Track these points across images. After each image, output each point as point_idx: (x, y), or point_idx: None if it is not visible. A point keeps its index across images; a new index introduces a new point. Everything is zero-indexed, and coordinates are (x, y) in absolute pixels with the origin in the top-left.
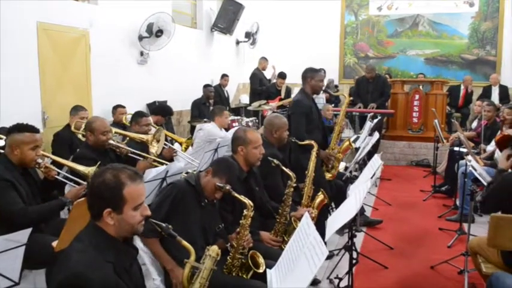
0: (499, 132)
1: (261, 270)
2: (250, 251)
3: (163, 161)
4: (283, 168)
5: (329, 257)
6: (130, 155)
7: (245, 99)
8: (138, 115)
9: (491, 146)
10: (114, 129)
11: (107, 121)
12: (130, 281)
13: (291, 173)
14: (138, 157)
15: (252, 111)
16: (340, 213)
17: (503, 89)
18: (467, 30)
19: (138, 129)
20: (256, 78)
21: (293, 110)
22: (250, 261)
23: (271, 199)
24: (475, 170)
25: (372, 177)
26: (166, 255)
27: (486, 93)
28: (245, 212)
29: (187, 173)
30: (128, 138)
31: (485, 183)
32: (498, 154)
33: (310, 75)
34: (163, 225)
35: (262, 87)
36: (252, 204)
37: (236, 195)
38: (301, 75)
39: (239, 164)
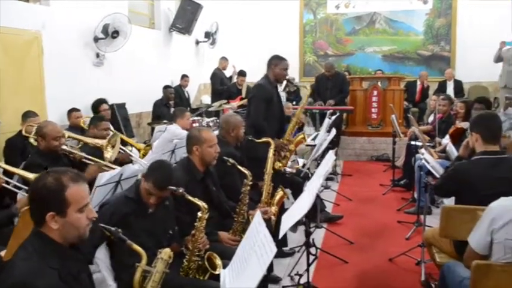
0: (453, 125)
1: (217, 272)
2: (207, 253)
3: (116, 166)
4: (239, 167)
5: (290, 254)
6: (84, 160)
7: (207, 99)
8: (97, 119)
9: (446, 139)
10: (67, 134)
11: (58, 126)
12: (78, 287)
13: (246, 172)
14: (92, 163)
15: (213, 112)
16: (294, 210)
17: (458, 84)
18: (422, 27)
19: (96, 133)
20: (217, 77)
21: (254, 93)
22: (207, 263)
23: (230, 199)
24: (428, 162)
25: (325, 173)
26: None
27: (442, 88)
28: (199, 214)
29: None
30: (81, 142)
31: (437, 176)
32: (450, 147)
33: (275, 62)
34: (113, 229)
35: (223, 86)
36: (206, 206)
37: (189, 198)
38: (267, 62)
39: (195, 165)
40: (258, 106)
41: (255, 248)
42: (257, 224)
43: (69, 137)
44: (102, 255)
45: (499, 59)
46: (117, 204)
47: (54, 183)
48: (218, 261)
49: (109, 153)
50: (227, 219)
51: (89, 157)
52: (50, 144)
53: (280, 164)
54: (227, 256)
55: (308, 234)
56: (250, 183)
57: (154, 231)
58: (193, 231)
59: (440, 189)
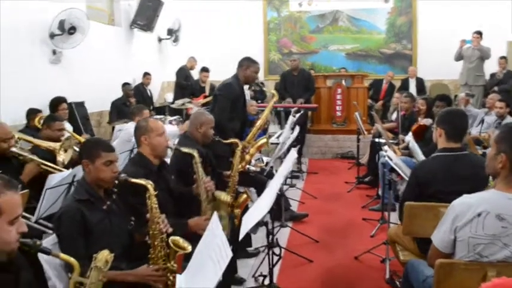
0: (416, 122)
1: (189, 249)
2: (170, 238)
3: (60, 168)
4: (182, 149)
5: (255, 255)
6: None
7: (170, 97)
8: (50, 118)
9: (409, 136)
10: (17, 135)
11: (7, 127)
12: None
13: (192, 151)
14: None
15: (176, 110)
16: (255, 210)
17: (420, 81)
18: (384, 25)
19: (49, 133)
20: (183, 73)
21: (221, 92)
22: (173, 246)
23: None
24: (391, 159)
25: (286, 172)
26: (118, 273)
27: (404, 86)
28: (148, 193)
29: None
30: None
31: (400, 173)
32: (413, 144)
33: (247, 64)
34: (30, 242)
35: (187, 82)
36: (151, 183)
37: (133, 180)
38: (238, 62)
39: (147, 158)
40: (224, 105)
41: (210, 252)
42: (214, 227)
43: (19, 138)
44: (48, 257)
45: (459, 57)
46: (72, 209)
47: None
48: (184, 244)
49: (61, 157)
50: (193, 204)
51: (40, 160)
52: None
53: (240, 166)
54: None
55: (269, 234)
56: (200, 159)
57: (115, 229)
58: (147, 214)
59: (407, 200)
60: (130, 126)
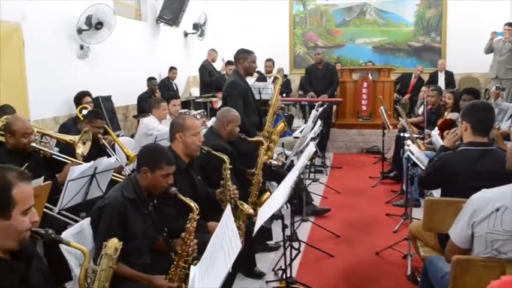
0: (442, 116)
1: None
2: (194, 262)
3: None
4: (214, 152)
5: (275, 248)
6: (54, 157)
7: (196, 92)
8: (93, 115)
9: (436, 131)
10: (36, 129)
11: (27, 122)
12: None
13: (223, 156)
14: (64, 159)
15: (201, 104)
16: (270, 204)
17: (449, 75)
18: (412, 17)
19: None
20: (206, 70)
21: (229, 92)
22: None
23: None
24: (413, 154)
25: (302, 166)
26: (137, 274)
27: (433, 79)
28: (190, 215)
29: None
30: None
31: (422, 167)
32: (436, 138)
33: (243, 56)
34: (42, 231)
35: (211, 78)
36: (197, 207)
37: (182, 197)
38: (233, 57)
39: (178, 155)
40: (236, 104)
41: (223, 243)
42: (227, 219)
43: (38, 132)
44: (70, 248)
45: (489, 50)
46: (118, 203)
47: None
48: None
49: (80, 149)
50: (215, 208)
51: (59, 154)
52: (19, 141)
53: (266, 157)
54: None
55: (284, 228)
56: (230, 166)
57: (149, 232)
58: (183, 234)
59: (425, 181)
60: (147, 120)
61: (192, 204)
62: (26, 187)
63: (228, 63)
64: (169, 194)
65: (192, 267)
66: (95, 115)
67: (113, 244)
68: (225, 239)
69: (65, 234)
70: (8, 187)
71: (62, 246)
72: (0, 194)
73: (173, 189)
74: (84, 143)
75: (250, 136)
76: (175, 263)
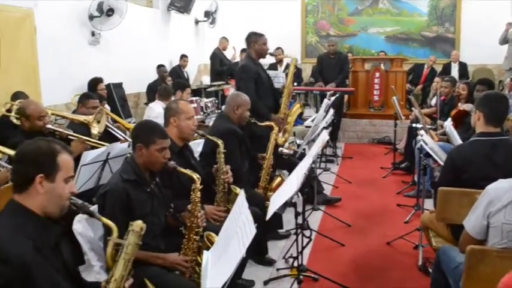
0: (456, 107)
1: None
2: (205, 232)
3: (102, 143)
4: (209, 137)
5: (286, 236)
6: (70, 137)
7: (207, 80)
8: (85, 96)
9: (449, 122)
10: (50, 111)
11: (41, 105)
12: (56, 259)
13: (219, 141)
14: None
15: (213, 92)
16: (283, 191)
17: (463, 66)
18: (426, 7)
19: (84, 111)
20: (217, 58)
21: (240, 76)
22: (208, 242)
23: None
24: (426, 144)
25: (315, 153)
26: (149, 254)
27: (446, 70)
28: (193, 185)
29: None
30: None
31: (436, 158)
32: (450, 129)
33: (254, 39)
34: (79, 202)
35: (223, 67)
36: (198, 176)
37: (181, 169)
38: (245, 40)
39: (172, 139)
40: (248, 87)
41: (237, 229)
42: (240, 204)
43: (52, 114)
44: (81, 228)
45: (504, 40)
46: (119, 188)
47: (48, 146)
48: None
49: (95, 129)
50: (209, 192)
51: (75, 134)
52: (35, 124)
53: (283, 139)
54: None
55: (297, 215)
56: (224, 151)
57: (156, 211)
58: (189, 206)
59: (441, 185)
60: (153, 106)
61: (193, 175)
62: (69, 157)
63: (243, 50)
64: (168, 168)
65: (204, 252)
66: (86, 96)
67: (138, 225)
68: (239, 224)
69: (78, 218)
70: (54, 153)
71: (76, 231)
72: (48, 158)
73: (171, 163)
74: (98, 122)
75: (264, 119)
76: (186, 236)
